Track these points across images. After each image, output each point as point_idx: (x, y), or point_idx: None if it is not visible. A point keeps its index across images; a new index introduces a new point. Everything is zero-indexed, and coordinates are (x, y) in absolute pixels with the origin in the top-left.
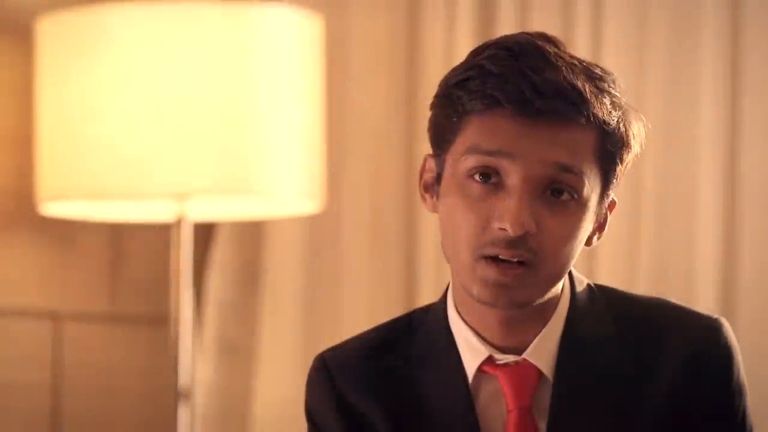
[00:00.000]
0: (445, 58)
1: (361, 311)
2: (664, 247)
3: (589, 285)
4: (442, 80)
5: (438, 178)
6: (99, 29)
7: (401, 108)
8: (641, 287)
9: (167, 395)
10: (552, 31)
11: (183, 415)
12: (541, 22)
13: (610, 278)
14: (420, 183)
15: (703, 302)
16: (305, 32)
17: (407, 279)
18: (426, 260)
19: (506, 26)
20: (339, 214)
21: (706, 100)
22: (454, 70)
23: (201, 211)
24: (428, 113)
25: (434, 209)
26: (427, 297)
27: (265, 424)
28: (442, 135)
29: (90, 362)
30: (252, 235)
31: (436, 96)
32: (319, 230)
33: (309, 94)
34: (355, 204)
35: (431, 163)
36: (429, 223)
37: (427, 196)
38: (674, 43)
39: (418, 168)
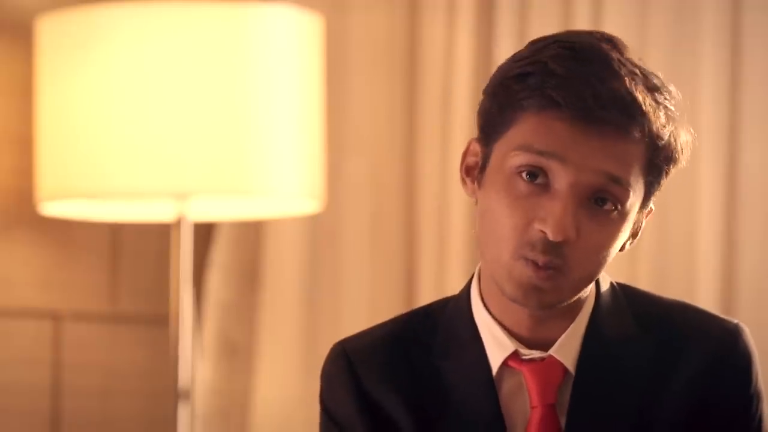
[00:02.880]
0: (445, 58)
1: (361, 311)
2: (664, 246)
3: (612, 284)
4: (499, 68)
5: (482, 166)
6: (99, 29)
7: (401, 108)
8: (641, 286)
9: (167, 395)
10: (552, 29)
11: (183, 415)
12: (542, 21)
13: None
14: (462, 166)
15: (703, 301)
16: (305, 32)
17: (407, 278)
18: (426, 259)
19: (506, 26)
20: (339, 214)
21: (706, 97)
22: (514, 60)
23: (201, 211)
24: (428, 113)
25: (473, 195)
26: (427, 297)
27: (265, 424)
28: (492, 125)
29: (90, 362)
30: (252, 235)
31: (491, 84)
32: (319, 230)
33: (308, 93)
34: (355, 204)
35: (476, 147)
36: (429, 222)
37: (468, 180)
38: (674, 41)
39: (418, 168)
